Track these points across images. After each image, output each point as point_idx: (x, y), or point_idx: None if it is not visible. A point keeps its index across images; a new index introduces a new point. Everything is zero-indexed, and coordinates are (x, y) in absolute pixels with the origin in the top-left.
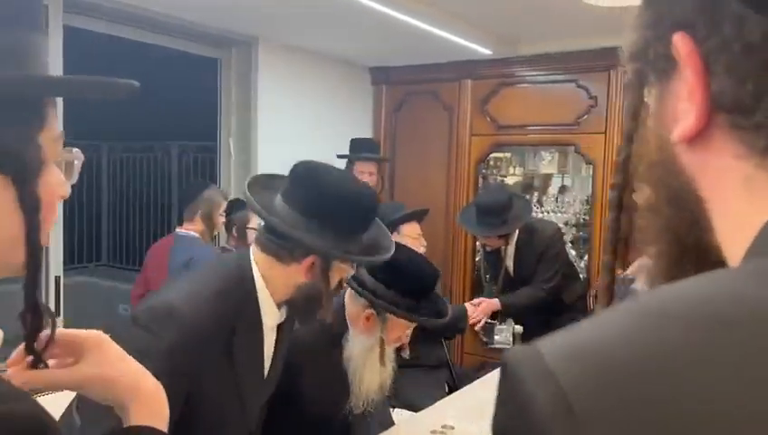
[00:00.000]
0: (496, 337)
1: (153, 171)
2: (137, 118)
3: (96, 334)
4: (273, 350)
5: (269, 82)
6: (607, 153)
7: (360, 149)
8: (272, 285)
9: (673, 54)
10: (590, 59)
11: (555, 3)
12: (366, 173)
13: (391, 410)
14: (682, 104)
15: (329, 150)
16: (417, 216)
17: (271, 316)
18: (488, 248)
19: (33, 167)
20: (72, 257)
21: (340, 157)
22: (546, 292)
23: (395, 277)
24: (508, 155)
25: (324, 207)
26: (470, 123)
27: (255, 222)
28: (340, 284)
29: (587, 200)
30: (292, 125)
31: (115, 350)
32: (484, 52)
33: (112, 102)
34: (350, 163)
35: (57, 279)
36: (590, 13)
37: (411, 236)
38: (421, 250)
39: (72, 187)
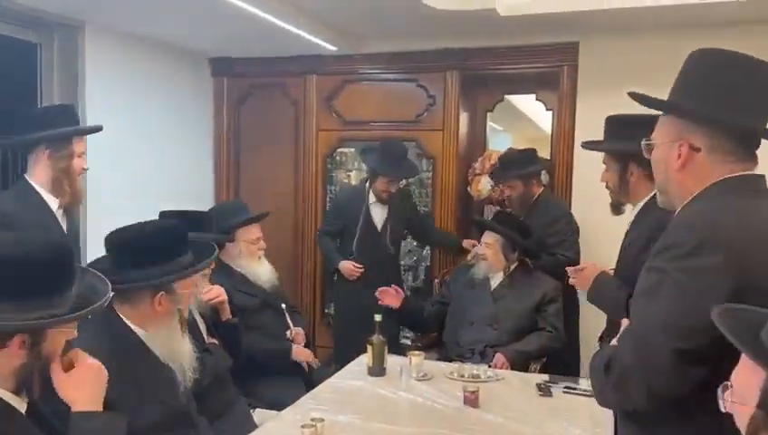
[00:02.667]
0: None
1: None
2: None
3: None
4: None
5: (97, 70)
6: (445, 149)
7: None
8: (3, 386)
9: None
10: (429, 60)
11: (397, 3)
12: (74, 155)
13: (252, 410)
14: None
15: (167, 144)
16: (255, 220)
17: (20, 404)
18: (384, 195)
19: None
20: None
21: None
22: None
23: (145, 255)
24: (353, 150)
25: (4, 283)
26: (316, 118)
27: None
28: (68, 344)
29: (427, 193)
30: (126, 118)
31: None
32: (329, 48)
33: None
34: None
35: None
36: (429, 15)
37: (247, 241)
38: (259, 253)
39: None
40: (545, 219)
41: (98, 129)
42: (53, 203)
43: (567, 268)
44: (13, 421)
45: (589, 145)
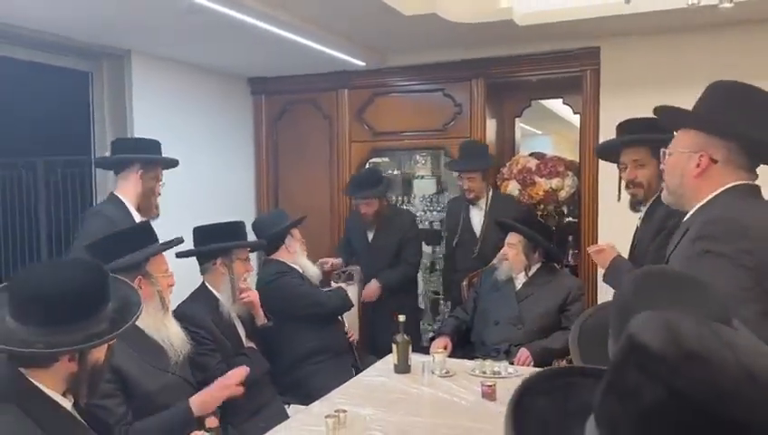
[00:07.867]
0: None
1: (18, 193)
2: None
3: None
4: None
5: (144, 94)
6: None
7: (147, 147)
8: (54, 389)
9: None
10: (454, 70)
11: (416, 19)
12: (158, 179)
13: (286, 406)
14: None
15: (210, 161)
16: (300, 221)
17: (66, 402)
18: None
19: None
20: None
21: None
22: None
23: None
24: (387, 159)
25: (49, 311)
26: (348, 130)
27: None
28: (110, 350)
29: None
30: (171, 138)
31: None
32: (358, 63)
33: None
34: None
35: None
36: (448, 27)
37: (298, 238)
38: (304, 252)
39: None
40: (400, 231)
41: (175, 163)
42: (137, 217)
43: (588, 247)
44: (57, 413)
45: (633, 138)
